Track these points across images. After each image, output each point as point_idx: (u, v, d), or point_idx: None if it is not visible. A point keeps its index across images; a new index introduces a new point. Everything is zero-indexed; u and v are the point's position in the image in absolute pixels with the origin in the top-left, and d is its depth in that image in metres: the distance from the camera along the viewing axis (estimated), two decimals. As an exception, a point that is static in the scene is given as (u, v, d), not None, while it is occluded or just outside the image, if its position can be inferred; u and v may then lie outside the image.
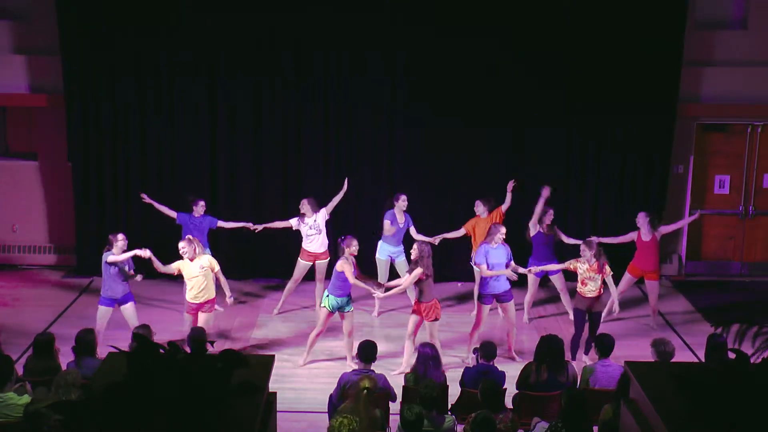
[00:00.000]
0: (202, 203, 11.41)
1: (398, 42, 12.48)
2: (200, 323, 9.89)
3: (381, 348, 10.12)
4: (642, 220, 11.31)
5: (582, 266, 10.14)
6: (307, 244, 11.45)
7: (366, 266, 11.03)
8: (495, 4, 12.41)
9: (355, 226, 12.83)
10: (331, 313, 10.01)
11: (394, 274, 11.53)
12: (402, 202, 11.42)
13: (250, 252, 12.90)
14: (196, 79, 12.60)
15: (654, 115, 12.75)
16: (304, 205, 11.38)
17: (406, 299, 11.83)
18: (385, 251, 11.59)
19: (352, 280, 9.79)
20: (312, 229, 11.40)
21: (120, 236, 10.01)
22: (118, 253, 9.91)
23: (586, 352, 10.30)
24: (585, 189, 13.03)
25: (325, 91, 12.69)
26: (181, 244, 9.96)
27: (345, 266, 9.80)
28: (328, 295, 10.00)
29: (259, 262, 13.04)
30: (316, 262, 11.53)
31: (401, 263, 11.51)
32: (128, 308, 10.09)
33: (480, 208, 11.46)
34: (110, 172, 12.92)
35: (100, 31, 12.41)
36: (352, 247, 9.93)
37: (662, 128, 12.85)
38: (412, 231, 11.50)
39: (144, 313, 10.20)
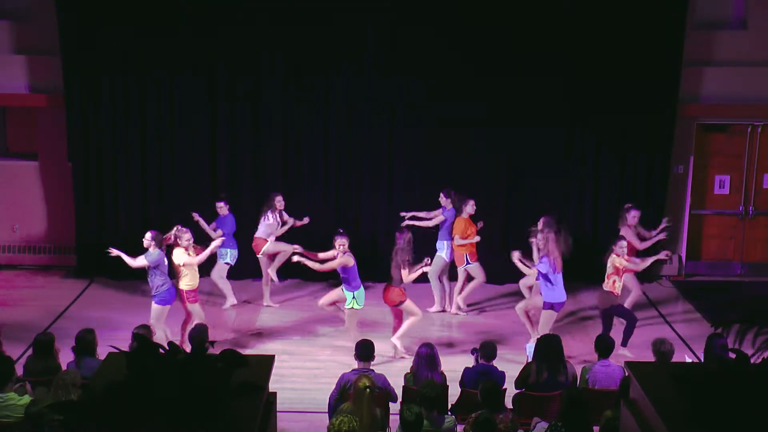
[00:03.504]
0: (220, 204, 11.61)
1: (398, 42, 12.48)
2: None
3: (384, 346, 10.22)
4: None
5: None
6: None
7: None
8: (495, 3, 12.41)
9: (357, 225, 12.85)
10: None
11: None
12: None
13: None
14: (196, 79, 12.60)
15: (654, 115, 12.75)
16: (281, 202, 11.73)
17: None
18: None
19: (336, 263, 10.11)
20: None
21: (147, 236, 10.03)
22: (153, 250, 9.94)
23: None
24: (585, 189, 13.03)
25: (325, 92, 12.69)
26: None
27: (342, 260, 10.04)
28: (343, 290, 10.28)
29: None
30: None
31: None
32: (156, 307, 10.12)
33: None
34: (110, 172, 12.92)
35: (100, 31, 12.41)
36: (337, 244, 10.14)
37: (662, 128, 12.84)
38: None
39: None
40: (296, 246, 10.66)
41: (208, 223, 11.62)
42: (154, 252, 9.91)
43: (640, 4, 12.46)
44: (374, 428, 7.02)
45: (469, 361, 8.93)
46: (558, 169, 12.90)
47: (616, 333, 10.18)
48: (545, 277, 10.06)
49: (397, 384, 8.21)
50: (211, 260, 11.68)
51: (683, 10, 12.55)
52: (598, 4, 12.50)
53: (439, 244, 11.70)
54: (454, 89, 12.55)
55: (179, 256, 10.08)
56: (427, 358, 8.16)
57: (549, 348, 8.22)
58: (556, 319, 10.45)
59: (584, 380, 8.30)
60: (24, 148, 13.73)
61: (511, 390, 8.29)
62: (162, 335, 9.83)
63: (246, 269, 12.47)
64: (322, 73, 12.62)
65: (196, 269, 10.24)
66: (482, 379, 7.81)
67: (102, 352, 8.00)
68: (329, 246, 10.33)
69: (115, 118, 12.73)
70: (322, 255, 10.34)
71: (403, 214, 11.74)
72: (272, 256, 11.90)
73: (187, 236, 10.16)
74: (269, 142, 12.86)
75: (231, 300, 11.91)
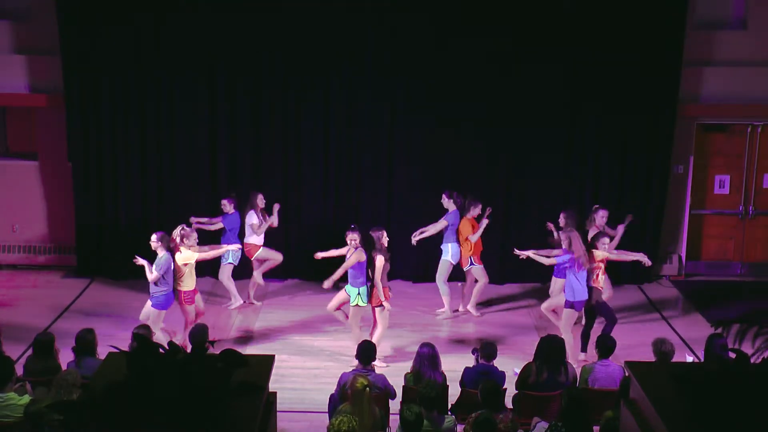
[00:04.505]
0: (225, 202, 11.67)
1: (398, 42, 12.48)
2: None
3: (386, 346, 10.23)
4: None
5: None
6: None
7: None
8: (495, 3, 12.41)
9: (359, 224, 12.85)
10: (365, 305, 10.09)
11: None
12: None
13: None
14: (196, 79, 12.60)
15: (654, 115, 12.74)
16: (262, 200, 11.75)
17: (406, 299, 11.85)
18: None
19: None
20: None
21: (153, 238, 10.02)
22: (161, 251, 9.92)
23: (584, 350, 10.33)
24: (585, 189, 13.02)
25: (325, 92, 12.69)
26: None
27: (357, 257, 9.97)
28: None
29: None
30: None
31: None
32: (147, 307, 10.11)
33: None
34: (110, 172, 12.92)
35: (100, 31, 12.41)
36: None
37: (662, 128, 12.84)
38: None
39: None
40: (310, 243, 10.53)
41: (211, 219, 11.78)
42: (161, 257, 9.90)
43: (640, 4, 12.46)
44: (374, 428, 7.02)
45: (470, 360, 8.93)
46: (558, 169, 12.89)
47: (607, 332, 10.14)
48: (560, 269, 10.10)
49: (397, 384, 8.21)
50: (216, 262, 11.72)
51: (683, 10, 12.55)
52: (598, 4, 12.50)
53: (443, 247, 11.63)
54: (454, 89, 12.54)
55: (186, 255, 10.04)
56: (428, 358, 8.16)
57: (551, 349, 8.22)
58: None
59: (584, 380, 8.30)
60: (24, 148, 13.72)
61: (511, 390, 8.29)
62: (160, 336, 9.83)
63: (244, 270, 12.46)
64: (322, 73, 12.62)
65: (194, 272, 10.22)
66: (482, 379, 7.81)
67: (102, 352, 8.01)
68: (328, 246, 10.33)
69: (115, 118, 12.73)
70: (335, 252, 10.29)
71: (413, 238, 11.66)
72: (261, 261, 11.94)
73: (194, 236, 10.18)
74: (269, 142, 12.86)
75: (237, 302, 11.91)
